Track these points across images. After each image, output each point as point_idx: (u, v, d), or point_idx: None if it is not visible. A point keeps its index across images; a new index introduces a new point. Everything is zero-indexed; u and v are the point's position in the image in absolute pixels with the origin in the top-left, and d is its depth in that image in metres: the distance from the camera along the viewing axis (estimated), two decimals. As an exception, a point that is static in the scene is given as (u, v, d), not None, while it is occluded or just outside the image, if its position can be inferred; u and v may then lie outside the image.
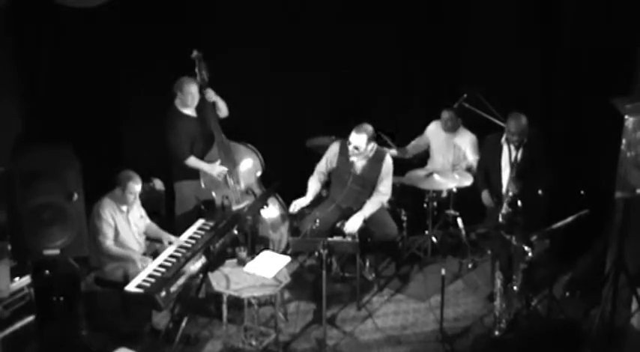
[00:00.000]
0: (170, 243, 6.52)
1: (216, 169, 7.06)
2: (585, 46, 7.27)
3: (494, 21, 7.68)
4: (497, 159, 6.71)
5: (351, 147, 6.76)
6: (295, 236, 6.93)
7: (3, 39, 6.82)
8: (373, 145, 6.81)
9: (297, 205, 6.86)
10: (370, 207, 6.86)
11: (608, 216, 6.43)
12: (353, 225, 6.76)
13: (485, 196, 6.81)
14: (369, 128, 6.74)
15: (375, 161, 6.87)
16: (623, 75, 6.64)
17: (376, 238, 6.90)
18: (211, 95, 7.06)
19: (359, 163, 6.86)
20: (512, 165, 6.60)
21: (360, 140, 6.71)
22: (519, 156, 6.58)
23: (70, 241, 5.61)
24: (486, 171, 6.88)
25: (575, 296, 6.68)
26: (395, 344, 6.44)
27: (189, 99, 6.94)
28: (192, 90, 6.92)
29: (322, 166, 7.04)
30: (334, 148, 7.00)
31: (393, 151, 7.60)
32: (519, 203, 6.38)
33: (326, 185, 7.25)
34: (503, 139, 6.67)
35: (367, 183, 6.90)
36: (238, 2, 7.64)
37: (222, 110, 7.17)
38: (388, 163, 6.92)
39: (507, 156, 6.65)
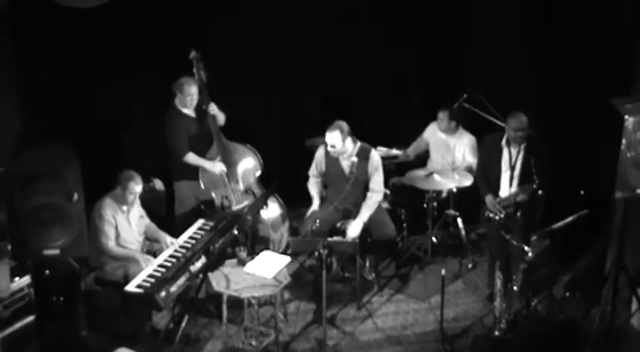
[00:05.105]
0: (171, 243, 6.51)
1: (217, 166, 7.05)
2: (585, 46, 7.27)
3: (494, 21, 7.68)
4: (497, 161, 6.68)
5: (328, 147, 6.75)
6: (295, 236, 6.92)
7: (3, 39, 6.81)
8: (352, 142, 6.76)
9: (313, 211, 6.88)
10: (367, 210, 6.84)
11: (608, 216, 6.43)
12: (354, 231, 6.75)
13: (490, 201, 6.68)
14: (342, 124, 6.69)
15: (362, 158, 6.83)
16: (623, 75, 6.64)
17: (375, 238, 6.88)
18: (214, 108, 7.06)
19: (345, 163, 6.84)
20: (513, 167, 6.59)
21: (334, 138, 6.68)
22: (520, 159, 6.56)
23: (70, 241, 5.61)
24: (485, 173, 6.82)
25: (575, 296, 6.68)
26: (395, 344, 6.44)
27: (188, 101, 6.96)
28: (192, 91, 6.94)
29: (313, 170, 7.07)
30: (320, 152, 6.99)
31: (395, 152, 7.61)
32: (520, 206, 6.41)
33: (324, 186, 7.25)
34: (503, 142, 6.64)
35: (358, 182, 6.87)
36: (238, 2, 7.64)
37: (221, 120, 7.16)
38: (375, 158, 6.88)
39: (507, 158, 6.63)
